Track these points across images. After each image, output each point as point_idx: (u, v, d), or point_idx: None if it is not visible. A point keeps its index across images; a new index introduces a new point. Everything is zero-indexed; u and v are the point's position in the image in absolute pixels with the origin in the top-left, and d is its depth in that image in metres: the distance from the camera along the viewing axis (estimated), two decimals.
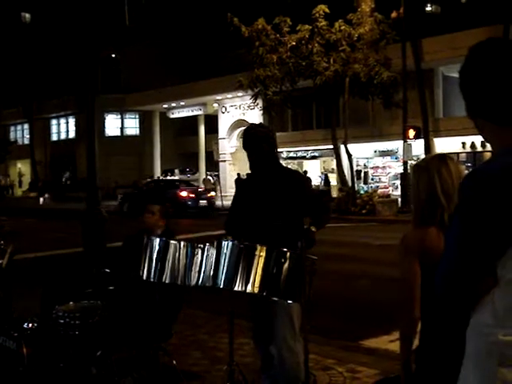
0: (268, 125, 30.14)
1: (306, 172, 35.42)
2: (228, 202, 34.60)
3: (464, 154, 30.78)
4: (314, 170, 37.72)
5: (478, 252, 1.74)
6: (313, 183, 32.48)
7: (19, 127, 63.69)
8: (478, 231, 1.73)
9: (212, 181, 41.47)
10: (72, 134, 56.26)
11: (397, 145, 31.97)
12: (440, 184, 2.72)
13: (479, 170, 1.81)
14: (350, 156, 27.60)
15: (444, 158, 2.83)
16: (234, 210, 4.87)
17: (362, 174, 37.01)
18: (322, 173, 38.17)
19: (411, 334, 2.66)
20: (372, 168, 37.35)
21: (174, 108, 47.22)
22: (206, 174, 43.78)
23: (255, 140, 4.58)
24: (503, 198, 1.69)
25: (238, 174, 37.48)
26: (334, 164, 33.57)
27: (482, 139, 1.97)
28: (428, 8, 41.39)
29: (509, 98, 1.79)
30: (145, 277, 4.42)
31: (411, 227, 2.80)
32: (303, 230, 4.33)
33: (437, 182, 2.73)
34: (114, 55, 53.21)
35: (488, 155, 29.49)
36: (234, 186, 43.20)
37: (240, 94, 36.42)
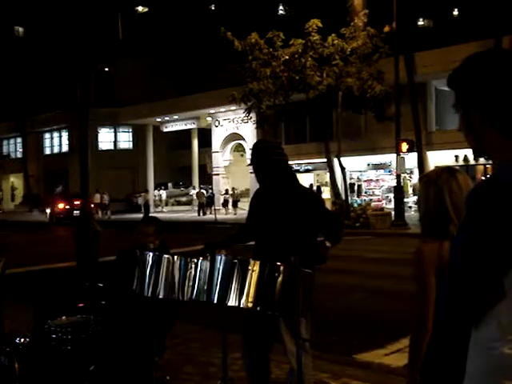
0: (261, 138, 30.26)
1: (311, 185, 35.47)
2: (222, 216, 34.69)
3: (457, 168, 30.88)
4: (307, 184, 37.77)
5: (484, 265, 1.72)
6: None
7: (12, 141, 63.59)
8: (486, 243, 1.70)
9: (206, 194, 41.45)
10: (65, 148, 56.20)
11: (390, 158, 32.06)
12: (450, 197, 2.71)
13: (487, 182, 1.79)
14: (343, 169, 27.64)
15: (453, 170, 2.83)
16: (248, 221, 4.96)
17: (356, 187, 37.09)
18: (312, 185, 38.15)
19: (422, 346, 2.64)
20: (365, 181, 37.45)
21: (167, 122, 47.25)
22: (200, 188, 43.78)
23: (261, 157, 4.59)
24: (507, 212, 1.67)
25: (233, 189, 37.84)
26: (327, 177, 33.64)
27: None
28: (420, 22, 41.74)
29: None
30: (138, 291, 4.40)
31: (422, 241, 2.78)
32: (315, 245, 4.35)
33: (446, 195, 2.72)
34: (107, 69, 53.31)
35: (481, 168, 29.64)
36: None
37: (233, 107, 36.49)
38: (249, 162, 4.74)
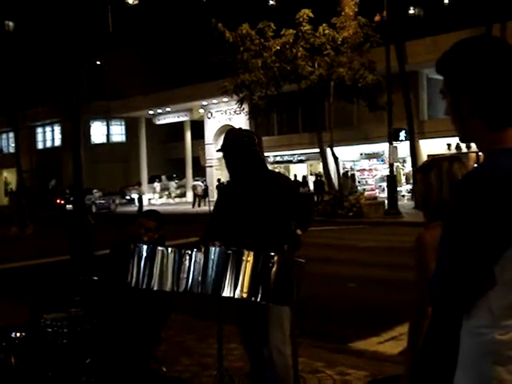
0: (254, 129, 30.20)
1: (295, 176, 35.41)
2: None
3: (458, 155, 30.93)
4: (301, 174, 37.75)
5: (474, 254, 1.73)
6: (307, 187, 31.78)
7: (4, 136, 63.28)
8: (474, 233, 1.72)
9: (203, 186, 41.24)
10: (58, 142, 56.00)
11: (383, 147, 32.10)
12: (450, 184, 2.74)
13: (474, 172, 1.81)
14: (336, 159, 27.67)
15: (454, 158, 2.86)
16: (216, 216, 4.83)
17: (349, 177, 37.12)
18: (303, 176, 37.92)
19: (422, 331, 2.66)
20: (358, 171, 37.50)
21: (159, 114, 47.16)
22: (196, 180, 43.53)
23: (233, 149, 4.50)
24: (500, 199, 1.69)
25: (219, 180, 37.52)
26: (320, 167, 33.67)
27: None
28: (411, 11, 41.63)
29: (507, 100, 1.80)
30: (133, 284, 4.40)
31: (425, 227, 2.80)
32: (290, 233, 4.33)
33: (447, 181, 2.75)
34: (98, 62, 53.08)
35: (473, 156, 29.71)
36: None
37: (225, 99, 36.47)
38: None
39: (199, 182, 41.77)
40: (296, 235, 4.33)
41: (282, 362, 4.31)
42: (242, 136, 4.56)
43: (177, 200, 47.62)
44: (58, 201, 42.92)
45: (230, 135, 4.57)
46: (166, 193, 48.98)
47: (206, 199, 36.28)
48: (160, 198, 47.51)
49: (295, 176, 35.40)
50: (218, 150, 4.74)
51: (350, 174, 33.46)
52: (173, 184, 48.45)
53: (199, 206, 39.39)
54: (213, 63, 43.68)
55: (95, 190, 42.23)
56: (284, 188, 4.52)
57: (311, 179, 35.48)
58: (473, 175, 1.79)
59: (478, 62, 1.82)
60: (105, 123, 53.54)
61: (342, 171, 31.07)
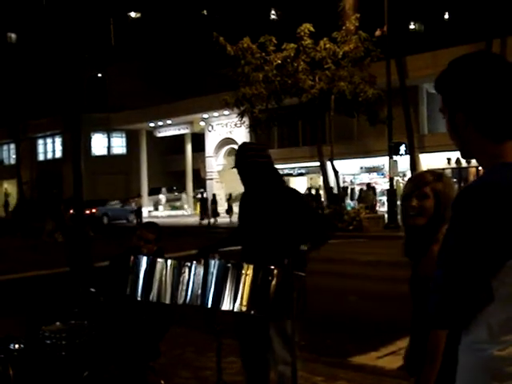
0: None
1: (309, 189, 35.17)
2: (221, 220, 34.59)
3: (449, 170, 30.99)
4: (301, 187, 37.72)
5: (472, 267, 1.72)
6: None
7: (5, 147, 63.36)
8: (472, 246, 1.71)
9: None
10: (58, 154, 56.04)
11: (383, 161, 32.12)
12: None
13: (473, 186, 1.80)
14: (336, 172, 27.70)
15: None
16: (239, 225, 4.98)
17: (349, 191, 37.12)
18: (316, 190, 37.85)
19: (440, 349, 2.62)
20: (359, 184, 37.50)
21: (160, 127, 47.23)
22: (198, 193, 43.26)
23: (245, 165, 4.55)
24: (499, 211, 1.68)
25: (230, 195, 37.52)
26: (320, 181, 33.67)
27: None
28: (412, 26, 41.88)
29: (505, 113, 1.81)
30: (132, 296, 4.40)
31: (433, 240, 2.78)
32: (293, 247, 4.34)
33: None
34: (99, 74, 53.25)
35: (473, 171, 29.73)
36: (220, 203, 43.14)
37: (226, 112, 36.56)
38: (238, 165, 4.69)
39: (204, 195, 41.62)
40: (301, 251, 4.34)
41: (289, 373, 4.31)
42: (256, 150, 4.59)
43: (173, 213, 47.34)
44: (71, 211, 42.82)
45: (243, 150, 4.60)
46: (168, 205, 48.88)
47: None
48: (158, 210, 47.39)
49: (309, 189, 35.04)
50: (232, 167, 4.78)
51: (371, 186, 33.46)
52: (184, 196, 48.40)
53: (202, 218, 39.20)
54: (214, 76, 43.84)
55: (115, 201, 42.12)
56: (292, 203, 4.52)
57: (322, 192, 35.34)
58: (472, 187, 1.79)
59: (472, 76, 1.83)
60: (105, 135, 53.61)
61: (342, 184, 31.06)
